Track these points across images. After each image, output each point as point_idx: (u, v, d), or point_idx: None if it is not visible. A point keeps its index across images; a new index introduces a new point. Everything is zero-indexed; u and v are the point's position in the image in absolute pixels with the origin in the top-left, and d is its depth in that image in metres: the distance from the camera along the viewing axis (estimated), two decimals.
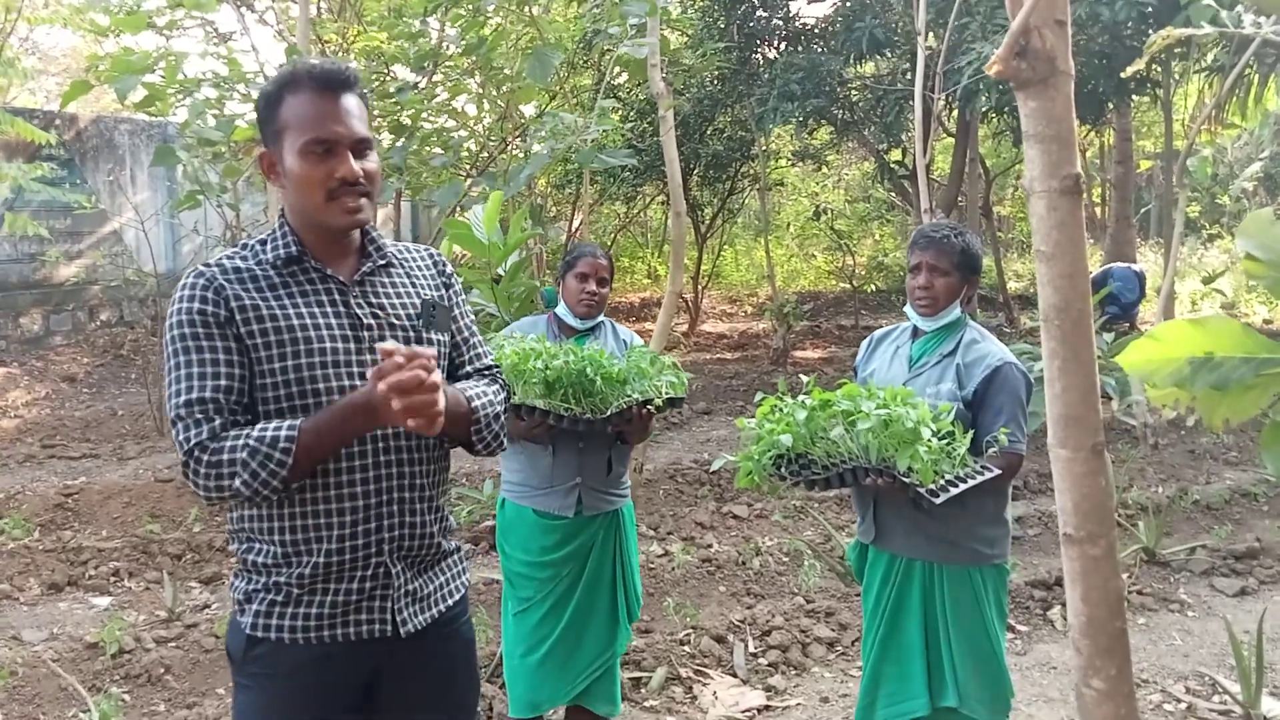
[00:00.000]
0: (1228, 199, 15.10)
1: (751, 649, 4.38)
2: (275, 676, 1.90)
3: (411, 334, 1.98)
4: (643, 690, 3.98)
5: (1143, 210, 18.90)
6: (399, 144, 5.74)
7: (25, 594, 4.90)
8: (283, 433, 1.76)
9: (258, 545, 1.90)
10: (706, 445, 7.70)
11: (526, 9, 6.30)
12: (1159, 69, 10.33)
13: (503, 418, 2.05)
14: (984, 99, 8.40)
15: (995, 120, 11.77)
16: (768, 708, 3.93)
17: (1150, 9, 7.42)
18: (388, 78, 6.61)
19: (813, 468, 2.57)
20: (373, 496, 1.89)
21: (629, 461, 3.51)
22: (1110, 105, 10.54)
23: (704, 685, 4.08)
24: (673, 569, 5.08)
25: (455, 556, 2.10)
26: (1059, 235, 1.51)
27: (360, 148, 1.87)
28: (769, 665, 4.26)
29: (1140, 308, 10.90)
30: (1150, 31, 7.54)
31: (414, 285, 2.04)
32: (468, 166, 7.16)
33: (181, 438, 1.78)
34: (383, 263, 2.00)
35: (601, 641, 3.43)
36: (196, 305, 1.83)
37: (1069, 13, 1.43)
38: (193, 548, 5.49)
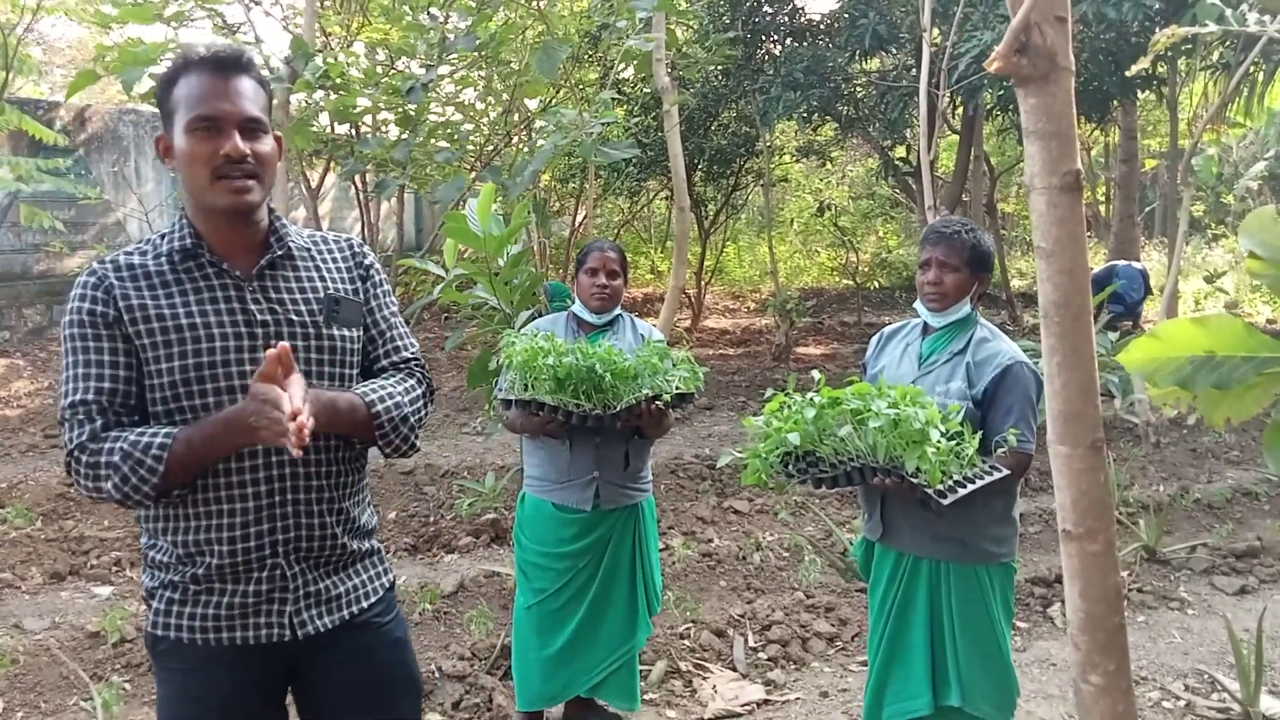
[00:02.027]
0: (1232, 198, 15.04)
1: (751, 643, 4.39)
2: (183, 671, 1.90)
3: (312, 330, 1.93)
4: (643, 684, 3.99)
5: (1147, 209, 18.87)
6: (404, 136, 5.73)
7: (27, 583, 4.92)
8: (156, 439, 1.75)
9: (158, 543, 1.90)
10: (708, 440, 7.70)
11: (534, 3, 6.30)
12: (1165, 67, 10.30)
13: (414, 419, 1.99)
14: (988, 95, 8.39)
15: (1000, 117, 11.75)
16: (767, 702, 3.94)
17: (1156, 7, 7.40)
18: (393, 70, 6.61)
19: (820, 466, 2.57)
20: (264, 498, 1.86)
21: (648, 456, 3.53)
22: (1115, 103, 10.52)
23: (703, 679, 4.09)
24: (673, 563, 5.09)
25: (370, 559, 2.06)
26: (1059, 232, 1.51)
27: (250, 127, 1.84)
28: (769, 660, 4.27)
29: (1144, 306, 10.89)
30: (1156, 29, 7.51)
31: (322, 278, 1.99)
32: (472, 160, 7.17)
33: (65, 438, 1.79)
34: (281, 254, 1.95)
35: (619, 635, 3.45)
36: (86, 305, 1.81)
37: (1070, 9, 1.44)
38: None
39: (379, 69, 6.74)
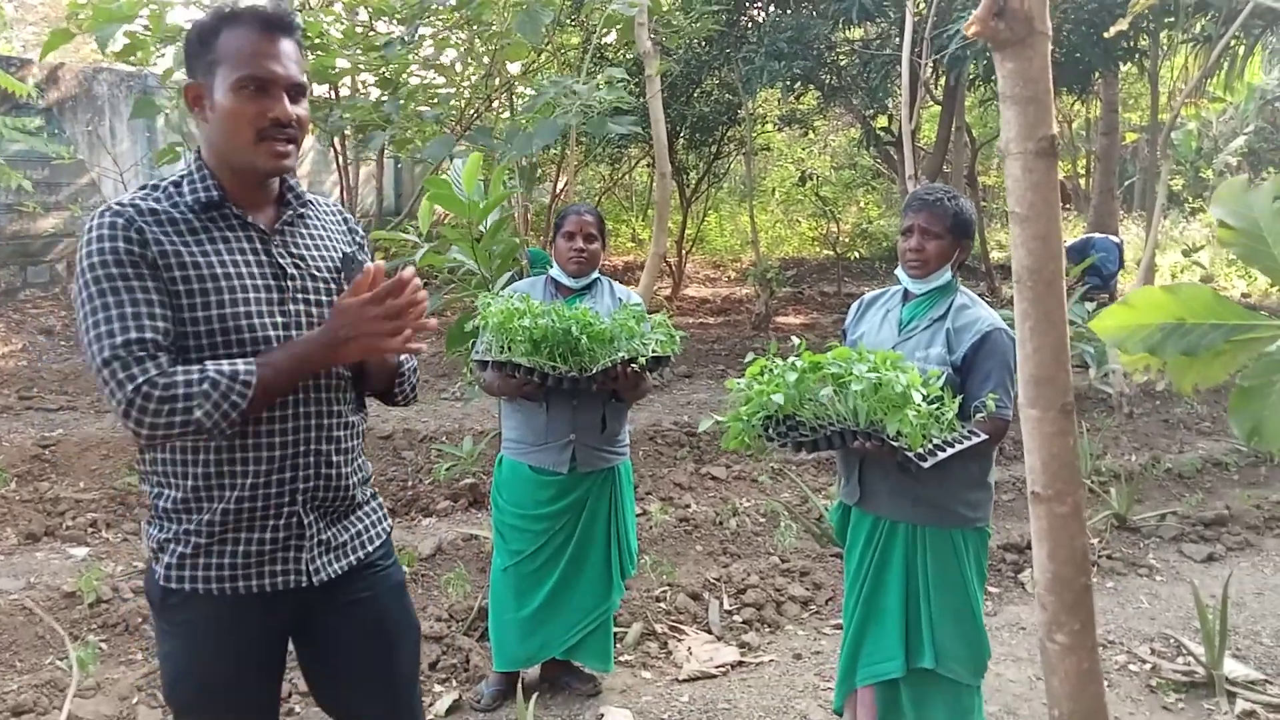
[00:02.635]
0: (1211, 173, 15.14)
1: (727, 606, 4.44)
2: (194, 623, 1.89)
3: (333, 285, 1.96)
4: (619, 645, 4.03)
5: (1127, 182, 18.95)
6: (385, 97, 5.68)
7: (2, 544, 4.90)
8: (240, 367, 1.74)
9: (166, 491, 1.87)
10: (687, 408, 7.73)
11: None
12: (1146, 40, 10.32)
13: (416, 373, 2.11)
14: (971, 65, 8.38)
15: (982, 88, 11.74)
16: (741, 663, 3.99)
17: None
18: (371, 31, 6.54)
19: (801, 429, 2.59)
20: (290, 446, 1.87)
21: (625, 419, 3.55)
22: (1097, 75, 10.54)
23: (679, 641, 4.13)
24: (651, 528, 5.12)
25: (372, 504, 2.11)
26: (1034, 197, 1.52)
27: (295, 92, 1.84)
28: (743, 623, 4.32)
29: (1120, 278, 10.97)
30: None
31: (328, 237, 2.03)
32: (453, 123, 7.11)
33: (123, 375, 1.69)
34: (302, 210, 1.98)
35: (594, 597, 3.48)
36: (121, 245, 1.74)
37: None
38: None
39: (359, 29, 6.66)
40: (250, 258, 1.86)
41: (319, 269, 1.95)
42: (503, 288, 3.84)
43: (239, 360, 1.76)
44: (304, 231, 1.97)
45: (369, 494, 2.11)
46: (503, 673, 3.57)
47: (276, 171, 1.87)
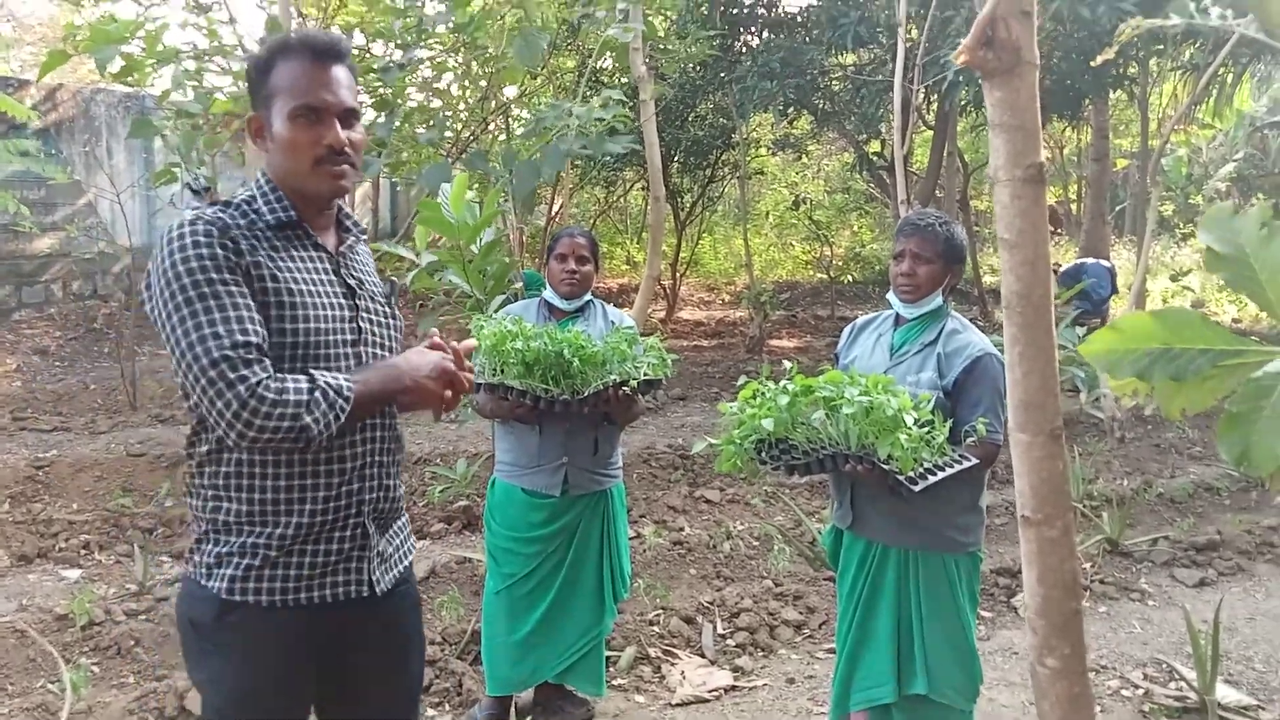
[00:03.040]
0: (1201, 199, 15.24)
1: (720, 630, 4.43)
2: (250, 640, 1.88)
3: (385, 308, 2.05)
4: (612, 669, 4.02)
5: (1118, 208, 19.06)
6: (381, 119, 5.71)
7: None
8: (342, 381, 1.79)
9: (225, 505, 1.86)
10: (681, 430, 7.74)
11: None
12: (1136, 67, 10.42)
13: None
14: (964, 92, 8.45)
15: (974, 114, 11.84)
16: (734, 688, 3.98)
17: (1129, 7, 7.48)
18: (368, 54, 6.58)
19: (793, 453, 2.60)
20: (360, 459, 1.93)
21: (618, 442, 3.55)
22: (1087, 102, 10.63)
23: (672, 665, 4.12)
24: (644, 551, 5.12)
25: (404, 518, 2.17)
26: (1022, 223, 1.55)
27: (348, 118, 1.90)
28: (737, 646, 4.31)
29: (1111, 303, 11.01)
30: None
31: (373, 264, 2.14)
32: (449, 146, 7.15)
33: (233, 376, 1.69)
34: (358, 234, 2.07)
35: (587, 620, 3.48)
36: (218, 251, 1.76)
37: (1037, 6, 1.47)
38: (164, 522, 5.48)
39: (355, 51, 6.70)
40: (324, 276, 1.93)
41: (374, 292, 2.04)
42: (497, 309, 3.86)
43: (339, 375, 1.82)
44: (358, 257, 2.06)
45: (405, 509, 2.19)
46: (496, 697, 3.56)
47: (336, 194, 1.94)
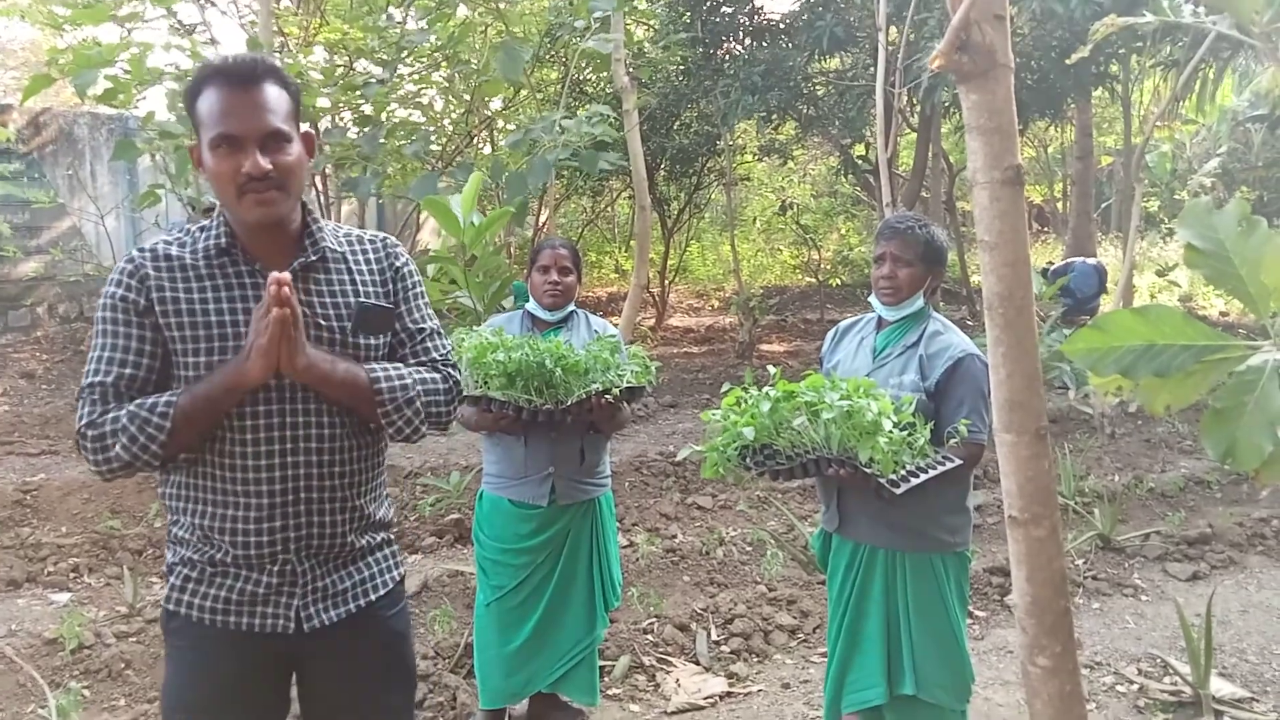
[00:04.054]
0: (1186, 194, 15.30)
1: (714, 637, 4.42)
2: (192, 650, 1.93)
3: (338, 336, 1.94)
4: (606, 679, 4.01)
5: (1104, 205, 19.14)
6: (364, 133, 5.71)
7: None
8: (161, 398, 1.81)
9: (181, 519, 1.94)
10: (672, 438, 7.73)
11: (493, 2, 6.29)
12: (1117, 65, 10.47)
13: (420, 402, 1.97)
14: (944, 93, 8.49)
15: (957, 116, 11.87)
16: (730, 694, 3.98)
17: (1106, 3, 7.52)
18: (352, 71, 6.58)
19: (777, 458, 2.61)
20: (277, 496, 1.88)
21: (605, 451, 3.55)
22: (1070, 100, 10.68)
23: (667, 673, 4.11)
24: (637, 559, 5.11)
25: (381, 553, 2.08)
26: (1001, 225, 1.55)
27: (272, 140, 1.84)
28: (731, 653, 4.31)
29: (1100, 302, 11.06)
30: None
31: (353, 282, 1.99)
32: (434, 160, 7.15)
33: (77, 415, 1.85)
34: (315, 258, 1.96)
35: (579, 630, 3.47)
36: (120, 292, 1.87)
37: (1009, 7, 1.48)
38: (153, 543, 5.45)
39: (338, 70, 6.69)
40: (251, 305, 1.87)
41: (326, 317, 1.94)
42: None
43: (165, 394, 1.82)
44: (321, 277, 1.96)
45: (381, 539, 2.08)
46: (490, 710, 3.54)
47: (263, 219, 1.87)
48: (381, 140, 5.81)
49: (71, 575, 5.06)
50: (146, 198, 5.91)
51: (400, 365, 2.00)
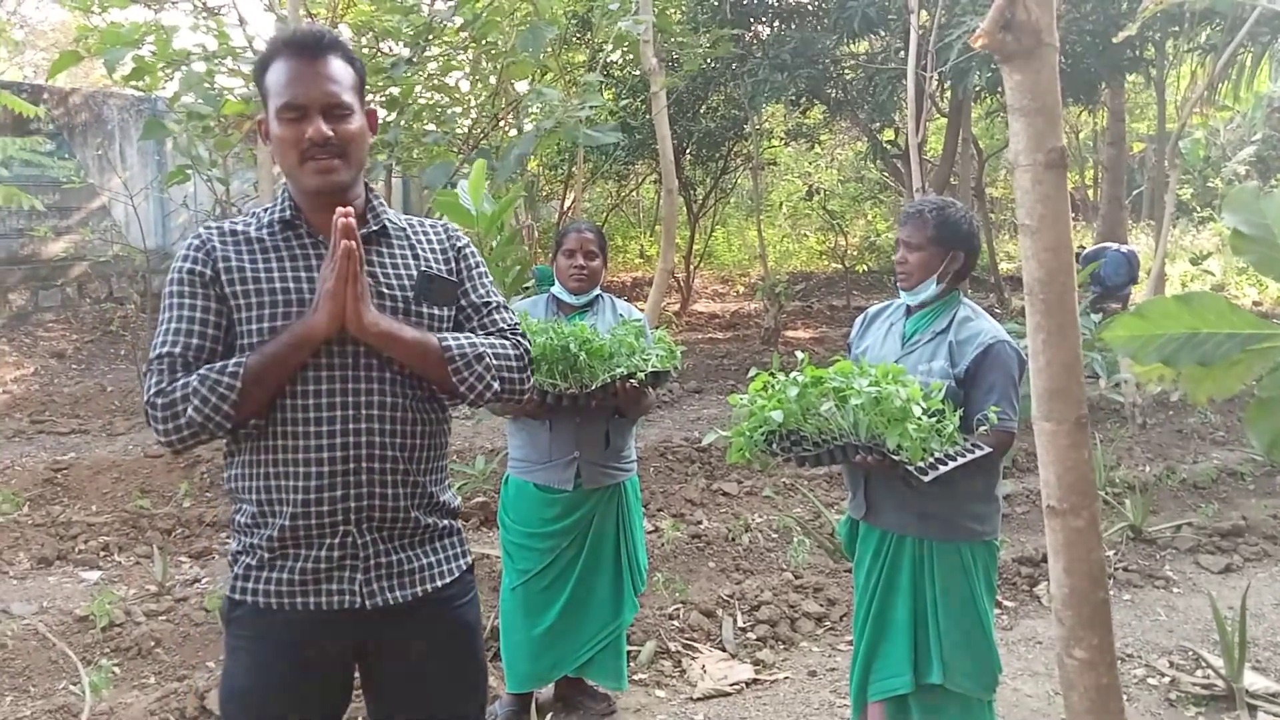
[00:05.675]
0: (1219, 182, 15.09)
1: (740, 624, 4.41)
2: (257, 639, 1.91)
3: (401, 305, 1.95)
4: (632, 664, 4.01)
5: (1135, 192, 18.90)
6: (390, 118, 5.71)
7: (15, 568, 4.91)
8: (230, 362, 1.82)
9: (242, 505, 1.94)
10: (697, 424, 7.71)
11: None
12: (1152, 50, 10.31)
13: (492, 361, 1.95)
14: (976, 76, 8.38)
15: (988, 100, 11.74)
16: (756, 681, 3.96)
17: None
18: (378, 52, 6.57)
19: (803, 444, 2.58)
20: (338, 463, 1.87)
21: (631, 435, 3.53)
22: (1103, 85, 10.53)
23: (693, 659, 4.11)
24: (662, 545, 5.10)
25: (450, 539, 2.06)
26: (1043, 209, 1.52)
27: (334, 110, 1.89)
28: (757, 640, 4.29)
29: (1132, 289, 10.92)
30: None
31: (416, 256, 2.02)
32: (460, 143, 7.13)
33: (146, 385, 1.85)
34: (377, 229, 2.00)
35: (605, 614, 3.47)
36: (186, 265, 1.90)
37: None
38: (183, 522, 5.50)
39: (365, 51, 6.68)
40: (314, 274, 1.91)
41: (389, 286, 1.96)
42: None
43: (232, 359, 1.84)
44: (383, 250, 2.00)
45: (448, 525, 2.06)
46: (516, 694, 3.55)
47: (326, 188, 1.90)
48: (405, 123, 5.81)
49: (102, 554, 5.11)
50: (175, 175, 5.93)
51: (470, 334, 2.00)
